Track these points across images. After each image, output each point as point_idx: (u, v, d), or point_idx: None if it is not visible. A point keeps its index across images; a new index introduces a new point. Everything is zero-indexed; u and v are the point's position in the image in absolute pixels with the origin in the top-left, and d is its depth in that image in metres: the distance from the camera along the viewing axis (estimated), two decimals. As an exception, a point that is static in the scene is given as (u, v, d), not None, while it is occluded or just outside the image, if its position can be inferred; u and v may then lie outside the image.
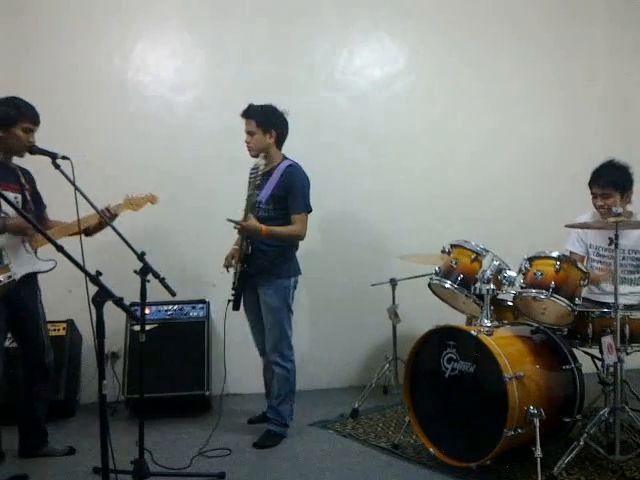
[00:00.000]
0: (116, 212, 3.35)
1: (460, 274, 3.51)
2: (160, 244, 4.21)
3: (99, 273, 2.64)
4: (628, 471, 3.08)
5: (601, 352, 3.20)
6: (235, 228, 3.49)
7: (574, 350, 3.37)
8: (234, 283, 3.69)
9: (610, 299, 3.18)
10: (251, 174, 3.66)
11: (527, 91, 5.10)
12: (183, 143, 4.61)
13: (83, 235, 3.16)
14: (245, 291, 3.70)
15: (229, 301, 3.72)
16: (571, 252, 3.78)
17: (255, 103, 3.66)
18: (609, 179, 3.56)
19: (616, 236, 3.12)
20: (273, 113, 3.66)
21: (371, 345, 4.87)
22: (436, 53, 5.01)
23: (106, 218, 3.17)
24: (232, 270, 3.78)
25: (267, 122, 3.62)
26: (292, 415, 3.80)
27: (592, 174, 3.64)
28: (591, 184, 3.63)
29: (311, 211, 3.67)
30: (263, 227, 3.51)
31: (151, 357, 3.70)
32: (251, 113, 3.63)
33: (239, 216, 3.53)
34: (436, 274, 3.61)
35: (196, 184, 4.60)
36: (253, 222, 3.49)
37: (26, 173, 3.36)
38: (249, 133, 3.63)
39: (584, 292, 3.46)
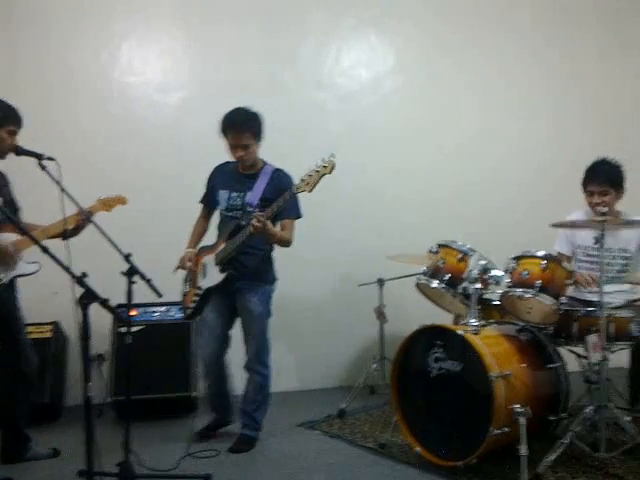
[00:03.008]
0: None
1: (447, 274, 3.52)
2: (147, 245, 4.17)
3: (85, 275, 2.63)
4: (612, 468, 3.10)
5: (586, 350, 3.22)
6: (254, 225, 3.23)
7: (559, 349, 3.40)
8: (199, 289, 3.57)
9: (595, 298, 3.21)
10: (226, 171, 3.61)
11: (516, 90, 5.14)
12: (170, 144, 4.60)
13: (60, 238, 3.17)
14: (216, 295, 3.59)
15: (187, 308, 3.63)
16: (559, 253, 3.81)
17: (234, 106, 3.48)
18: (606, 176, 3.59)
19: (602, 235, 3.15)
20: (261, 119, 3.48)
21: (358, 345, 4.88)
22: (425, 52, 5.03)
23: (89, 217, 3.16)
24: (182, 273, 3.67)
25: (260, 131, 3.48)
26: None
27: (587, 172, 3.65)
28: (586, 182, 3.64)
29: (301, 217, 3.61)
30: (278, 232, 3.44)
31: (138, 359, 3.69)
32: (246, 126, 3.40)
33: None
34: (423, 274, 3.62)
35: (183, 185, 4.57)
36: (271, 225, 3.36)
37: (2, 175, 3.33)
38: (244, 147, 3.43)
39: (570, 290, 3.49)
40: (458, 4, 5.05)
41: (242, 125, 3.41)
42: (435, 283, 3.53)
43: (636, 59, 5.17)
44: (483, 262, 3.46)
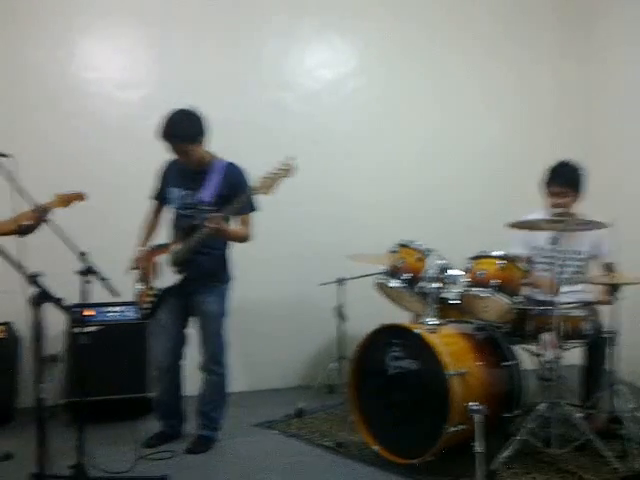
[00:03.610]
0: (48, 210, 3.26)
1: (406, 273, 3.56)
2: (103, 243, 4.11)
3: (38, 273, 2.58)
4: (564, 464, 3.17)
5: (540, 348, 3.29)
6: (210, 227, 3.21)
7: (514, 347, 3.46)
8: (153, 289, 3.51)
9: (550, 297, 3.28)
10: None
11: (479, 92, 5.18)
12: (130, 141, 4.51)
13: (16, 235, 3.10)
14: (171, 296, 3.52)
15: (142, 308, 3.57)
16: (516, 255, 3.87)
17: (196, 104, 3.41)
18: (568, 177, 3.65)
19: (558, 236, 3.21)
20: (197, 121, 3.38)
21: (317, 344, 4.88)
22: (388, 54, 5.05)
23: (45, 215, 3.09)
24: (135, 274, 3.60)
25: (197, 133, 3.38)
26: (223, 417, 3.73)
27: (549, 172, 3.71)
28: (547, 182, 3.69)
29: (257, 210, 3.57)
30: (235, 231, 3.42)
31: (92, 359, 3.60)
32: (178, 134, 3.31)
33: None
34: (383, 273, 3.65)
35: (141, 182, 4.48)
36: (227, 225, 3.34)
37: None
38: (181, 153, 3.38)
39: (525, 290, 3.55)
40: (419, 4, 5.09)
41: (173, 135, 3.32)
42: (394, 282, 3.57)
43: (598, 57, 5.23)
44: (441, 262, 3.51)
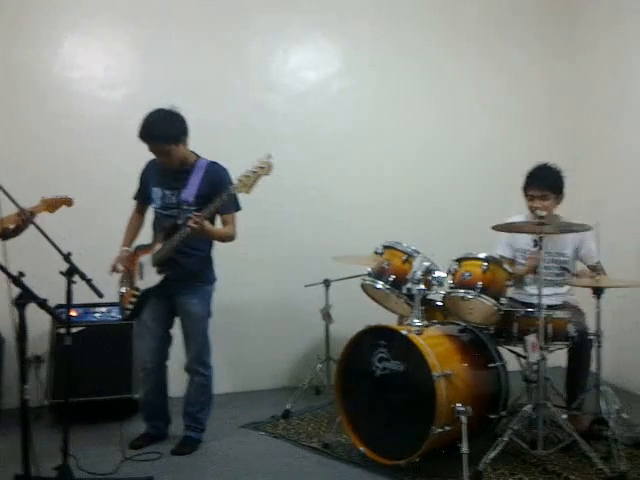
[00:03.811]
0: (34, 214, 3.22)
1: (392, 275, 3.57)
2: (88, 244, 4.09)
3: (22, 274, 2.56)
4: (550, 465, 3.19)
5: (525, 350, 3.31)
6: (192, 227, 3.19)
7: (500, 348, 3.48)
8: (136, 290, 3.48)
9: (534, 299, 3.30)
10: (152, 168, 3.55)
11: (474, 92, 5.16)
12: (114, 142, 4.49)
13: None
14: (155, 297, 3.50)
15: (126, 309, 3.56)
16: (501, 256, 3.88)
17: (180, 104, 3.41)
18: (548, 181, 3.66)
19: (540, 238, 3.23)
20: (177, 121, 3.36)
21: (304, 346, 4.88)
22: (373, 54, 5.03)
23: (30, 218, 3.05)
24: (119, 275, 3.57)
25: (178, 133, 3.36)
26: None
27: (528, 176, 3.72)
28: (527, 186, 3.70)
29: (240, 209, 3.57)
30: (218, 230, 3.42)
31: (77, 360, 3.58)
32: (158, 136, 3.29)
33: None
34: (369, 275, 3.66)
35: (125, 185, 4.47)
36: (209, 224, 3.34)
37: None
38: (162, 153, 3.36)
39: (510, 292, 3.57)
40: (408, 4, 5.09)
41: (153, 135, 3.30)
42: (380, 284, 3.58)
43: (590, 56, 5.21)
44: (426, 263, 3.51)
